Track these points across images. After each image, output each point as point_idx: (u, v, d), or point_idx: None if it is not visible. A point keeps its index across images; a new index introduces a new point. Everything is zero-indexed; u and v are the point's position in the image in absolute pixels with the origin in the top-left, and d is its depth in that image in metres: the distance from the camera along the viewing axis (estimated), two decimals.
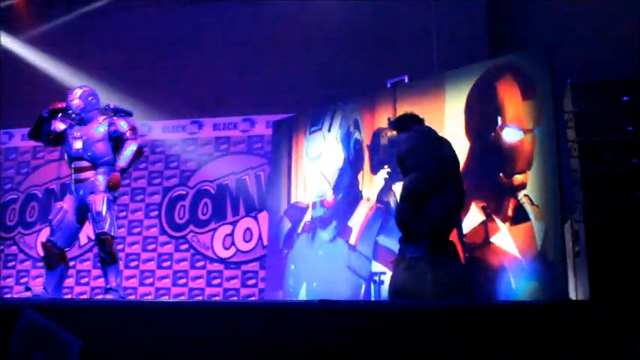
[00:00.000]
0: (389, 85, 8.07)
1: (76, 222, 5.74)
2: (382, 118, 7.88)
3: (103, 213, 5.50)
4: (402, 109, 7.71)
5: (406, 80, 7.96)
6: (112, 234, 5.55)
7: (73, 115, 5.74)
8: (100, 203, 5.52)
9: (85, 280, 9.70)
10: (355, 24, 9.14)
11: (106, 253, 5.56)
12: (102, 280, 5.92)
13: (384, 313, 3.29)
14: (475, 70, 7.21)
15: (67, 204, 5.68)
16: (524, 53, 7.07)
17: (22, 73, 10.63)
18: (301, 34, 9.45)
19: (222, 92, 9.69)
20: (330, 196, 8.30)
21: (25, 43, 10.91)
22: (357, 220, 7.91)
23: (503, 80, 6.90)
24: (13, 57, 10.79)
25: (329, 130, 8.50)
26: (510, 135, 6.75)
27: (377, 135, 7.87)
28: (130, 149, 5.66)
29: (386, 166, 7.74)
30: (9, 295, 9.76)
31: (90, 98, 5.78)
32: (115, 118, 5.78)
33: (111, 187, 5.61)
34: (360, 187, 7.99)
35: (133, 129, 5.78)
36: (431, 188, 4.43)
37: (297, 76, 9.31)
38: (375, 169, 7.87)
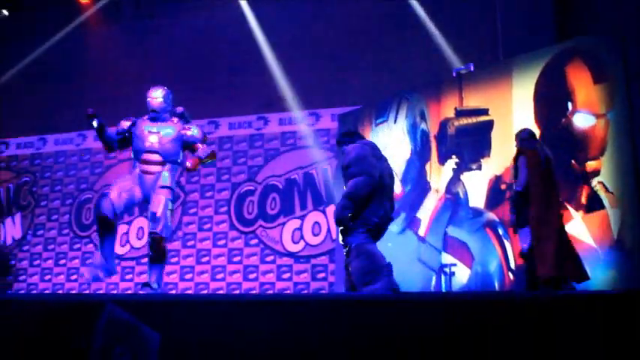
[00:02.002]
0: (454, 74, 7.98)
1: (136, 201, 5.80)
2: (448, 108, 7.80)
3: (159, 214, 5.59)
4: (469, 97, 7.63)
5: (472, 68, 7.86)
6: (164, 235, 5.62)
7: (151, 113, 5.86)
8: (158, 204, 5.62)
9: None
10: (419, 14, 9.06)
11: (155, 251, 5.65)
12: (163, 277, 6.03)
13: (458, 304, 3.25)
14: (542, 55, 7.06)
15: (133, 185, 5.75)
16: (593, 36, 6.89)
17: (93, 76, 10.93)
18: (365, 28, 9.42)
19: (287, 87, 9.73)
20: (398, 188, 8.26)
21: (94, 46, 11.21)
22: (426, 211, 7.85)
23: (573, 64, 6.73)
24: (86, 60, 11.11)
25: (395, 122, 8.46)
26: (582, 120, 6.59)
27: (444, 125, 7.79)
28: (209, 148, 5.83)
29: (454, 157, 7.66)
30: (87, 291, 10.07)
31: (168, 100, 5.94)
32: (187, 123, 5.90)
33: (189, 170, 5.76)
34: (428, 178, 7.93)
35: (205, 136, 5.96)
36: (374, 196, 4.90)
37: (361, 69, 9.28)
38: (442, 160, 7.80)
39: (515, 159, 5.79)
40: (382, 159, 5.15)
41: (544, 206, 5.54)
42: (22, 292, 10.65)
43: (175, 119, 5.91)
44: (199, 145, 5.83)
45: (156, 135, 5.77)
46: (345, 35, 9.46)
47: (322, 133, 9.63)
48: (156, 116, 5.85)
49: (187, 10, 10.68)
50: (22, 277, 11.00)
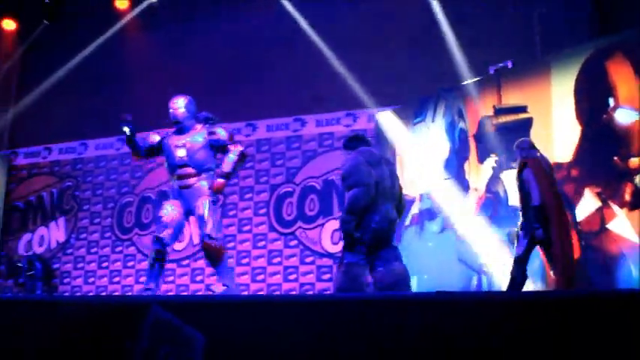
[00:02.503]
0: (492, 72, 7.91)
1: (182, 223, 5.87)
2: (487, 106, 7.75)
3: (206, 217, 5.60)
4: (507, 95, 7.57)
5: (509, 65, 7.78)
6: (215, 236, 5.62)
7: (175, 124, 5.86)
8: (203, 207, 5.63)
9: (200, 277, 9.98)
10: (455, 12, 9.00)
11: (211, 255, 5.66)
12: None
13: (500, 304, 3.22)
14: (582, 50, 6.97)
15: (176, 204, 5.80)
16: (635, 30, 6.78)
17: (132, 81, 11.08)
18: (401, 27, 9.38)
19: (324, 88, 9.75)
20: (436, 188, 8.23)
21: (133, 51, 11.36)
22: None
23: (614, 59, 6.63)
24: (126, 66, 11.26)
25: (433, 121, 8.42)
26: (624, 116, 6.49)
27: (482, 123, 7.73)
28: (233, 154, 5.74)
29: (493, 155, 7.60)
30: (130, 293, 10.21)
31: (191, 107, 5.89)
32: (212, 127, 5.86)
33: (216, 192, 5.70)
34: (467, 177, 7.88)
35: (232, 136, 5.87)
36: (372, 202, 5.02)
37: (398, 69, 9.24)
38: (481, 158, 7.74)
39: (520, 171, 5.79)
40: (380, 163, 5.22)
41: (561, 212, 5.64)
42: (67, 294, 10.83)
43: (199, 126, 5.86)
44: (229, 153, 5.77)
45: (183, 148, 5.76)
46: (382, 34, 9.43)
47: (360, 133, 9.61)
48: (181, 127, 5.84)
49: (224, 13, 10.76)
50: (66, 280, 11.20)
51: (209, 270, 9.71)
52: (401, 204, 5.34)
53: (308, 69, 9.82)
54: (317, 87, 9.80)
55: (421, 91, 8.73)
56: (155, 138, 6.00)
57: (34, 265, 10.41)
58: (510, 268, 5.85)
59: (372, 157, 5.23)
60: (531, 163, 5.71)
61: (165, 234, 5.68)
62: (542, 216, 5.60)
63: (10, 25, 12.35)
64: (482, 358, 3.07)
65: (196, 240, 9.18)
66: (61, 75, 11.93)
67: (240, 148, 5.80)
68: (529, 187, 5.68)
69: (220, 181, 5.69)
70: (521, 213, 5.84)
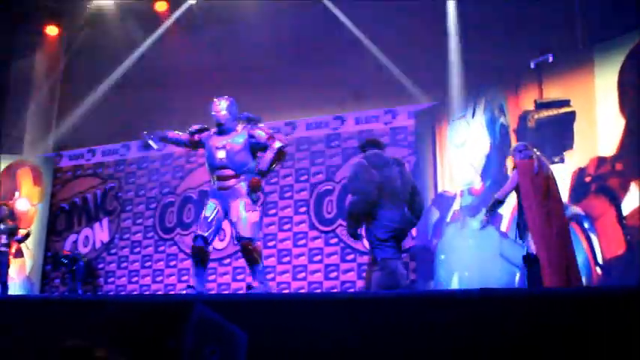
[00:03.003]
0: (533, 66, 7.81)
1: (220, 222, 5.90)
2: (528, 101, 7.65)
3: (243, 217, 5.62)
4: (549, 89, 7.46)
5: (551, 59, 7.66)
6: (251, 237, 5.63)
7: (218, 126, 5.89)
8: (239, 208, 5.65)
9: (241, 276, 10.04)
10: (494, 5, 8.89)
11: (248, 257, 5.68)
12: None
13: (547, 300, 3.19)
14: (626, 40, 6.82)
15: (216, 204, 5.84)
16: None
17: (172, 83, 11.19)
18: (440, 22, 9.32)
19: (363, 86, 9.74)
20: (478, 184, 8.15)
21: (173, 53, 11.48)
22: (508, 206, 7.71)
23: None
24: (166, 68, 11.38)
25: (473, 116, 8.35)
26: None
27: (523, 118, 7.64)
28: (270, 151, 5.75)
29: (535, 150, 7.50)
30: (172, 292, 10.32)
31: (233, 109, 5.91)
32: (252, 128, 5.86)
33: (252, 190, 5.72)
34: (509, 173, 7.78)
35: (271, 136, 5.86)
36: (372, 206, 5.32)
37: (437, 65, 9.19)
38: None
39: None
40: (388, 165, 5.47)
41: (543, 216, 5.61)
42: (111, 293, 11.01)
43: (240, 127, 5.88)
44: (267, 151, 5.76)
45: (223, 150, 5.78)
46: (420, 30, 9.38)
47: (399, 130, 9.57)
48: (223, 129, 5.87)
49: (263, 13, 10.81)
50: (110, 280, 11.38)
51: None
52: (415, 203, 5.53)
53: (347, 67, 9.82)
54: (356, 85, 9.79)
55: (461, 86, 8.66)
56: (196, 127, 6.08)
57: (77, 263, 10.57)
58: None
59: (379, 160, 5.47)
60: (520, 166, 5.82)
61: (206, 232, 5.73)
62: (494, 209, 6.03)
63: (53, 30, 12.59)
64: (526, 356, 3.03)
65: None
66: (103, 80, 12.13)
67: (278, 144, 5.77)
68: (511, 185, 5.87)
69: (255, 178, 5.70)
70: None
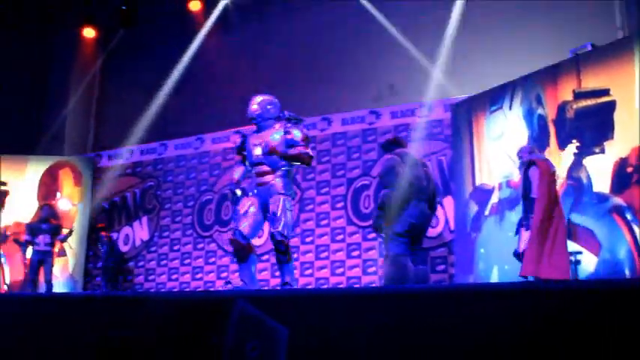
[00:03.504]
0: (571, 55, 7.69)
1: (261, 218, 5.95)
2: (566, 91, 7.53)
3: (278, 214, 5.67)
4: (588, 78, 7.34)
5: (590, 48, 7.54)
6: (286, 234, 5.68)
7: (250, 121, 5.96)
8: (276, 205, 5.70)
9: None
10: None
11: (281, 253, 5.73)
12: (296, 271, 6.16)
13: (592, 293, 3.14)
14: None
15: (254, 201, 5.91)
16: None
17: (207, 82, 11.28)
18: (474, 14, 9.24)
19: (398, 80, 9.70)
20: (516, 176, 8.05)
21: (208, 53, 11.57)
22: None
23: None
24: (201, 68, 11.47)
25: (510, 108, 8.25)
26: None
27: (562, 108, 7.53)
28: (296, 150, 5.79)
29: (574, 141, 7.39)
30: (212, 288, 10.41)
31: (268, 107, 5.95)
32: (289, 125, 5.90)
33: (270, 152, 5.79)
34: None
35: (306, 138, 5.91)
36: (403, 201, 5.54)
37: (471, 55, 9.11)
38: (562, 145, 7.54)
39: (526, 169, 6.29)
40: (417, 165, 5.74)
41: (547, 215, 6.03)
42: (152, 290, 11.14)
43: (278, 125, 5.93)
44: (296, 147, 5.81)
45: (259, 147, 5.87)
46: (455, 23, 9.31)
47: (435, 124, 9.51)
48: (259, 125, 5.94)
49: (296, 10, 10.83)
50: (150, 277, 11.52)
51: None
52: (434, 202, 5.86)
53: (381, 61, 9.81)
54: (391, 79, 9.76)
55: (497, 78, 8.57)
56: (237, 139, 6.16)
57: (108, 262, 10.68)
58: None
59: (408, 159, 5.73)
60: (540, 163, 6.19)
61: (244, 228, 5.78)
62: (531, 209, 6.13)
63: (90, 33, 12.78)
64: (571, 351, 3.00)
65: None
66: (139, 80, 12.28)
67: (306, 151, 5.84)
68: (531, 183, 6.18)
69: (272, 149, 5.77)
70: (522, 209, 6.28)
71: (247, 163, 6.09)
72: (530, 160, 6.32)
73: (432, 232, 9.24)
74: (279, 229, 5.66)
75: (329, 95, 10.18)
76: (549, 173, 6.16)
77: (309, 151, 5.91)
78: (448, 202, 9.13)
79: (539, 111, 7.85)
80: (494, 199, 8.27)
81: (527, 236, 6.17)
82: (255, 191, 5.91)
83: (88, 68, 13.20)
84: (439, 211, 9.30)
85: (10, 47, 12.26)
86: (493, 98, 8.47)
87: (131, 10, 12.07)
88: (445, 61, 9.33)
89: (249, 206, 5.85)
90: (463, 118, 8.93)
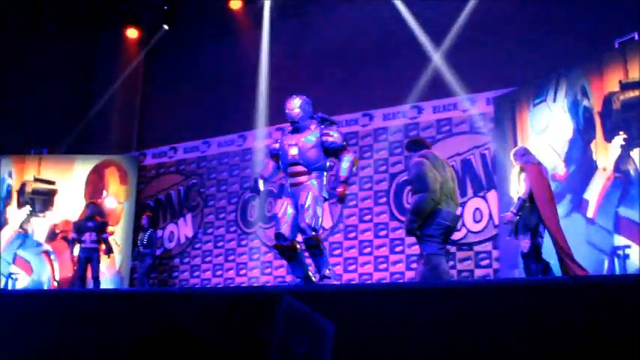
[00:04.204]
0: (617, 45, 7.55)
1: (297, 216, 5.97)
2: (612, 82, 7.41)
3: (306, 205, 5.68)
4: (634, 69, 7.20)
5: (636, 37, 7.40)
6: (314, 226, 5.68)
7: (292, 124, 5.98)
8: (306, 197, 5.71)
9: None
10: None
11: (312, 247, 5.73)
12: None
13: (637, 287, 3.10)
14: None
15: (289, 202, 5.93)
16: None
17: (248, 80, 11.36)
18: (518, 6, 9.14)
19: (439, 74, 9.64)
20: (561, 169, 7.96)
21: (247, 50, 11.65)
22: (594, 191, 7.51)
23: None
24: (241, 66, 11.56)
25: (554, 101, 8.15)
26: None
27: (608, 100, 7.40)
28: (347, 160, 5.82)
29: (621, 133, 7.26)
30: (256, 284, 10.49)
31: (307, 107, 5.99)
32: (326, 128, 5.93)
33: (341, 200, 5.85)
34: (594, 157, 7.57)
35: (346, 141, 5.96)
36: (436, 204, 5.65)
37: (515, 49, 9.01)
38: (609, 137, 7.41)
39: (519, 174, 6.51)
40: (444, 166, 5.83)
41: (553, 212, 6.37)
42: (198, 286, 11.26)
43: (314, 125, 5.95)
44: (343, 160, 5.84)
45: (295, 147, 5.86)
46: (496, 15, 9.22)
47: (478, 117, 9.44)
48: (297, 127, 5.95)
49: (335, 7, 10.84)
50: (195, 274, 11.65)
51: (333, 260, 9.84)
52: (457, 204, 5.98)
53: (422, 56, 9.75)
54: (432, 73, 9.70)
55: (540, 70, 8.47)
56: (277, 146, 6.18)
57: (144, 259, 10.80)
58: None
59: (436, 160, 5.82)
60: (528, 169, 6.43)
61: (285, 229, 5.82)
62: (523, 207, 6.37)
63: (133, 33, 12.97)
64: (619, 342, 2.96)
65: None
66: (181, 78, 12.43)
67: (352, 155, 5.89)
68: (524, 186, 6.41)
69: (341, 189, 5.81)
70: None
71: (280, 163, 6.11)
72: (521, 166, 6.57)
73: (475, 226, 9.19)
74: (307, 220, 5.65)
75: (370, 91, 10.16)
76: (542, 177, 6.46)
77: (352, 153, 5.95)
78: (492, 196, 9.05)
79: (585, 103, 7.74)
80: None
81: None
82: (290, 190, 5.93)
83: (132, 68, 13.40)
84: (483, 206, 9.26)
85: (57, 50, 12.51)
86: (537, 90, 8.37)
87: (173, 10, 12.21)
88: (487, 54, 9.24)
89: (285, 207, 5.88)
90: (506, 111, 8.84)
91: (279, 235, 5.85)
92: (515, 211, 6.41)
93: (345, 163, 5.81)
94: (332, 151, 5.90)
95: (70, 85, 12.85)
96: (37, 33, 12.47)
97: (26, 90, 12.23)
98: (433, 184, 5.56)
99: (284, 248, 5.85)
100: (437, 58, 9.76)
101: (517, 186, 6.65)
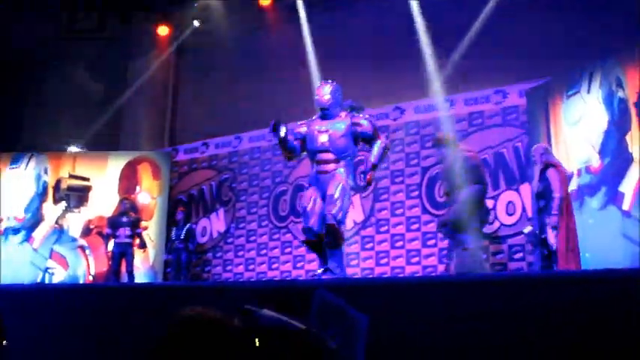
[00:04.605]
0: None
1: (324, 206, 5.91)
2: None
3: (336, 196, 5.62)
4: None
5: None
6: (339, 218, 5.63)
7: (321, 111, 5.93)
8: (334, 188, 5.66)
9: (355, 262, 10.05)
10: None
11: (330, 236, 5.66)
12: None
13: None
14: None
15: (314, 192, 5.87)
16: None
17: (279, 74, 11.37)
18: None
19: (471, 66, 9.55)
20: (596, 162, 7.86)
21: (279, 45, 11.66)
22: (630, 184, 7.39)
23: None
24: (272, 60, 11.58)
25: (588, 92, 8.04)
26: None
27: None
28: (379, 147, 5.76)
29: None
30: (288, 278, 10.52)
31: (337, 94, 5.92)
32: (356, 116, 5.86)
33: (368, 184, 5.79)
34: (630, 149, 7.45)
35: (376, 129, 5.90)
36: (482, 197, 6.19)
37: (548, 39, 8.90)
38: None
39: (542, 171, 6.61)
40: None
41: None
42: (230, 280, 11.33)
43: (344, 113, 5.89)
44: (375, 146, 5.79)
45: (325, 134, 5.81)
46: (529, 3, 9.10)
47: (510, 110, 9.35)
48: (326, 113, 5.88)
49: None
50: (228, 268, 11.73)
51: (365, 253, 9.85)
52: None
53: (453, 47, 9.67)
54: (464, 65, 9.62)
55: (574, 61, 8.35)
56: (303, 129, 6.11)
57: (180, 255, 10.89)
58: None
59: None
60: (560, 169, 6.61)
61: (312, 222, 5.78)
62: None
63: (164, 30, 13.07)
64: None
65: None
66: (212, 74, 12.49)
67: (384, 141, 5.83)
68: (551, 184, 6.49)
69: (370, 174, 5.77)
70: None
71: (307, 150, 6.05)
72: (550, 162, 6.64)
73: (508, 219, 9.11)
74: (334, 211, 5.60)
75: (402, 84, 10.11)
76: (565, 174, 6.69)
77: (383, 139, 5.88)
78: (525, 189, 8.96)
79: (620, 94, 7.62)
80: (573, 185, 8.08)
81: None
82: (317, 178, 5.88)
83: (163, 64, 13.50)
84: (516, 199, 9.18)
85: (90, 48, 12.67)
86: (570, 82, 8.26)
87: (203, 6, 12.28)
88: (519, 45, 9.14)
89: (313, 200, 5.84)
90: (539, 103, 8.74)
91: (307, 230, 5.82)
92: (556, 212, 6.42)
93: (376, 148, 5.76)
94: (364, 140, 5.85)
95: (103, 82, 13.00)
96: (71, 32, 12.64)
97: (61, 89, 12.41)
98: (485, 178, 5.89)
99: (313, 243, 5.84)
100: (467, 50, 9.66)
101: (535, 182, 6.77)
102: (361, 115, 5.92)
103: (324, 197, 5.83)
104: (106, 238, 10.27)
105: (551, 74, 8.62)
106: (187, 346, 1.54)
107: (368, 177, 5.77)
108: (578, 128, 8.13)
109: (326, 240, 5.74)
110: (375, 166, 5.81)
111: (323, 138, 5.82)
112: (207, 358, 1.52)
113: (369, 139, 5.85)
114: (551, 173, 6.52)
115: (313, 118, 6.08)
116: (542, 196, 6.60)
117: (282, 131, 6.01)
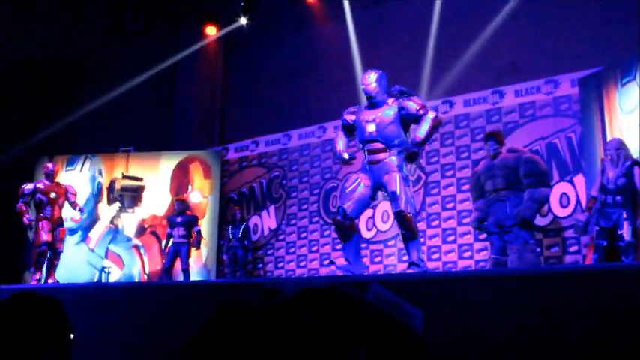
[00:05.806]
0: None
1: (368, 197, 5.87)
2: None
3: (398, 192, 5.53)
4: None
5: None
6: (409, 211, 5.55)
7: (369, 100, 5.87)
8: (394, 183, 5.58)
9: (406, 257, 9.98)
10: None
11: (406, 229, 5.59)
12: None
13: None
14: None
15: (363, 178, 5.82)
16: None
17: (326, 70, 11.39)
18: None
19: (521, 56, 9.42)
20: None
21: (325, 41, 11.68)
22: None
23: None
24: (320, 56, 11.60)
25: None
26: None
27: None
28: (425, 123, 5.64)
29: None
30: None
31: (383, 81, 5.85)
32: (403, 100, 5.78)
33: (408, 161, 5.67)
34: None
35: (423, 105, 5.76)
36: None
37: (600, 27, 8.71)
38: None
39: (630, 167, 6.64)
40: None
41: None
42: (282, 277, 11.40)
43: (391, 100, 5.80)
44: (422, 122, 5.68)
45: (373, 123, 5.74)
46: None
47: (562, 100, 9.18)
48: (374, 102, 5.82)
49: None
50: (280, 265, 11.80)
51: None
52: None
53: (503, 37, 9.54)
54: (513, 56, 9.49)
55: (627, 48, 8.16)
56: (351, 118, 6.09)
57: (237, 253, 10.97)
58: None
59: None
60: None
61: (349, 205, 5.72)
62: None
63: (211, 30, 13.20)
64: None
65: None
66: (262, 72, 12.57)
67: (432, 114, 5.70)
68: (636, 182, 6.54)
69: (413, 151, 5.67)
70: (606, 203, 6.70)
71: (357, 140, 6.04)
72: (635, 160, 6.73)
73: (562, 212, 8.96)
74: (402, 207, 5.55)
75: (450, 77, 10.02)
76: None
77: (431, 112, 5.75)
78: (579, 180, 8.80)
79: None
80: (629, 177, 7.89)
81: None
82: (368, 168, 5.83)
83: (212, 64, 13.65)
84: (570, 190, 9.02)
85: (139, 51, 12.86)
86: (625, 69, 8.07)
87: (250, 5, 12.36)
88: (570, 33, 8.97)
89: (357, 184, 5.78)
90: (592, 92, 8.56)
91: (340, 210, 5.77)
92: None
93: (424, 125, 5.65)
94: (413, 121, 5.77)
95: (153, 84, 13.20)
96: (119, 35, 12.86)
97: (112, 92, 12.63)
98: (550, 181, 6.33)
99: (343, 226, 5.77)
100: (516, 40, 9.53)
101: (612, 176, 6.70)
102: (410, 98, 5.83)
103: (374, 188, 5.80)
104: (167, 237, 10.42)
105: (604, 62, 8.44)
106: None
107: (413, 152, 5.68)
108: (634, 117, 7.94)
109: (402, 232, 5.68)
110: (419, 144, 5.68)
111: (371, 128, 5.76)
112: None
113: (416, 119, 5.75)
114: (637, 171, 6.63)
115: (361, 107, 6.05)
116: (623, 191, 6.62)
117: (346, 156, 6.14)
